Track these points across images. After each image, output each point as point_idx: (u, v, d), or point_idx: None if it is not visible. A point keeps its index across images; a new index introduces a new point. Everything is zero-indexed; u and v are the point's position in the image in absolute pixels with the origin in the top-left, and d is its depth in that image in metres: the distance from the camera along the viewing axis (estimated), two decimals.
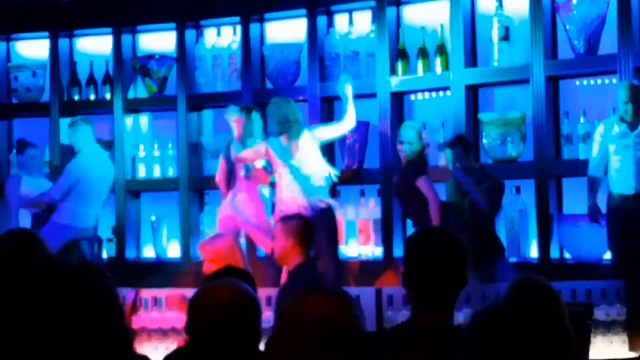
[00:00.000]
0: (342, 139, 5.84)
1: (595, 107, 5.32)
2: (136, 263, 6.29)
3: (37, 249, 2.55)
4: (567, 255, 5.32)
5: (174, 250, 6.33)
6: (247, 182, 5.43)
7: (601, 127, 4.90)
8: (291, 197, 5.09)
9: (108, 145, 6.31)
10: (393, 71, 5.70)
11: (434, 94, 5.88)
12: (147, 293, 4.43)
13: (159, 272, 5.99)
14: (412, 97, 5.93)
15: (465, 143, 5.10)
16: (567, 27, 5.21)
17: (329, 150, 5.96)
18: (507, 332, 1.90)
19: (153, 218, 6.35)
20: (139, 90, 6.53)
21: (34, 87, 6.58)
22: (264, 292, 4.07)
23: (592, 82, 5.47)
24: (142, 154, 6.40)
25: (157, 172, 6.36)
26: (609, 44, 5.11)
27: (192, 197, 6.22)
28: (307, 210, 5.10)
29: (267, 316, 3.91)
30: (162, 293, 4.62)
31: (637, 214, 4.71)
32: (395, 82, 5.69)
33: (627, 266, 4.62)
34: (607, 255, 5.11)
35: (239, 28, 6.19)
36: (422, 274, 2.18)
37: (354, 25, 5.94)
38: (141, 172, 6.41)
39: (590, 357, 3.38)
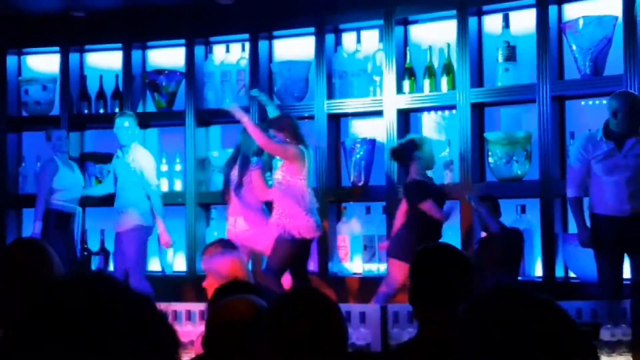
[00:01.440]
0: (350, 156, 5.88)
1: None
2: None
3: (46, 262, 2.33)
4: (572, 274, 5.33)
5: (179, 264, 6.36)
6: (241, 202, 5.44)
7: (582, 142, 4.69)
8: (304, 212, 5.13)
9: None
10: (400, 89, 5.75)
11: (440, 113, 5.92)
12: None
13: (164, 286, 6.01)
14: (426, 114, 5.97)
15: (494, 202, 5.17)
16: (574, 47, 5.25)
17: (335, 166, 6.01)
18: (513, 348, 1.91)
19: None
20: (148, 105, 6.58)
21: (44, 101, 6.64)
22: None
23: (597, 102, 5.51)
24: None
25: (164, 187, 6.40)
26: (614, 65, 5.15)
27: (198, 212, 6.26)
28: (313, 227, 5.13)
29: None
30: (167, 307, 4.64)
31: (630, 237, 4.52)
32: (402, 100, 5.74)
33: (613, 289, 4.49)
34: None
35: (247, 45, 6.25)
36: (429, 289, 2.20)
37: (362, 44, 6.00)
38: None
39: None
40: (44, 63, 6.86)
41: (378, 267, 5.77)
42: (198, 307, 4.52)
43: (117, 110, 6.50)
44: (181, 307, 4.65)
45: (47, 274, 2.29)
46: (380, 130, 5.81)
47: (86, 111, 6.62)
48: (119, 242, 5.78)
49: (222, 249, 4.04)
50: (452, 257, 2.24)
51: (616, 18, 5.17)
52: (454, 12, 5.59)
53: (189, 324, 4.56)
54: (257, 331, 1.78)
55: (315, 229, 5.15)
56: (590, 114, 5.51)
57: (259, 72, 6.15)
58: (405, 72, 5.77)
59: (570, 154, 4.87)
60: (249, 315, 2.04)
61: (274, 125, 5.29)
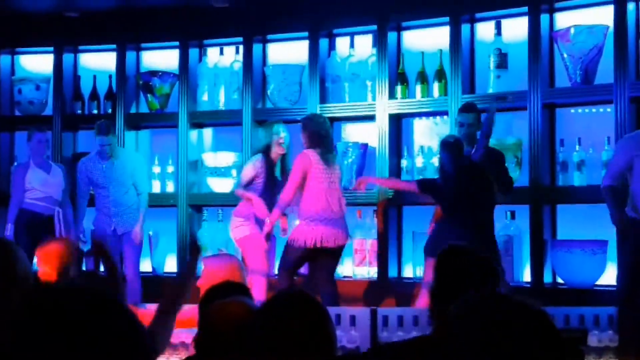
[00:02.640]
0: (342, 160, 5.91)
1: (591, 136, 5.40)
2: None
3: (10, 259, 2.27)
4: (560, 280, 5.38)
5: (170, 265, 6.37)
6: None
7: (628, 136, 4.61)
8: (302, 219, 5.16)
9: None
10: (392, 94, 5.79)
11: (431, 118, 5.96)
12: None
13: (155, 286, 6.01)
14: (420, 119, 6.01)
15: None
16: (565, 56, 5.30)
17: None
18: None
19: (151, 232, 6.39)
20: (142, 106, 6.60)
21: (37, 101, 6.64)
22: None
23: (587, 110, 5.56)
24: None
25: (156, 188, 6.41)
26: (605, 73, 5.20)
27: (190, 213, 6.27)
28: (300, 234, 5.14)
29: None
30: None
31: None
32: (394, 106, 5.77)
33: (630, 294, 4.41)
34: (600, 282, 5.17)
35: (241, 48, 6.28)
36: (453, 290, 2.21)
37: (355, 49, 6.03)
38: None
39: None
40: (37, 63, 6.86)
41: (368, 271, 5.80)
42: (188, 308, 4.54)
43: (109, 111, 6.50)
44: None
45: (11, 272, 2.25)
46: (372, 134, 5.85)
47: (79, 111, 6.62)
48: (121, 243, 5.78)
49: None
50: (475, 257, 2.30)
51: (607, 27, 5.23)
52: (447, 19, 5.63)
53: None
54: (248, 333, 1.80)
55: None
56: (581, 122, 5.56)
57: (253, 75, 6.17)
58: (397, 77, 5.81)
59: (616, 146, 4.78)
60: (242, 317, 2.06)
61: (304, 121, 5.30)
